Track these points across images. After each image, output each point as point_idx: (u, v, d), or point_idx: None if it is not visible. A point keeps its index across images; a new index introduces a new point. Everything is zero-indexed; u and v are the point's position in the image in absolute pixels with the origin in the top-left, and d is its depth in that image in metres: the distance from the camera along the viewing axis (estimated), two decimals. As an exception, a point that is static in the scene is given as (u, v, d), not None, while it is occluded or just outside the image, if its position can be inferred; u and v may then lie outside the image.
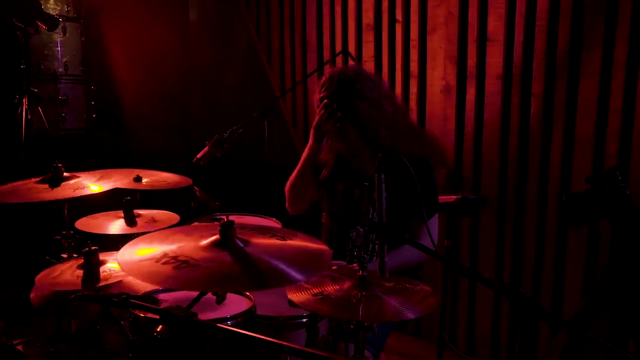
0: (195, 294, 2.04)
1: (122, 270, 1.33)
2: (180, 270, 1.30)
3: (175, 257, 1.36)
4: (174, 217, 2.57)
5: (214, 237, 1.46)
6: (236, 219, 3.09)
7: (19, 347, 1.92)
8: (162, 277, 1.28)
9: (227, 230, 1.45)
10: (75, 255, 2.45)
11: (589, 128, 2.89)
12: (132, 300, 1.39)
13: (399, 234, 1.57)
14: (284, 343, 1.09)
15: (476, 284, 3.42)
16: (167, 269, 1.31)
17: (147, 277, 1.30)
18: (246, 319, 1.75)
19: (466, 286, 3.46)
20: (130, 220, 2.44)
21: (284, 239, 1.54)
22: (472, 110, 3.31)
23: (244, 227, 1.59)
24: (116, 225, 2.40)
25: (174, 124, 5.17)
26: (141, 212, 2.55)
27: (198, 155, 3.05)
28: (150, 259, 1.36)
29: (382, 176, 1.61)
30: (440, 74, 3.43)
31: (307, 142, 4.33)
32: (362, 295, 1.66)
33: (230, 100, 4.97)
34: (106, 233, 2.34)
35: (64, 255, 2.49)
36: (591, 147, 2.89)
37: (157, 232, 1.58)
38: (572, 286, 3.00)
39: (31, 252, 3.23)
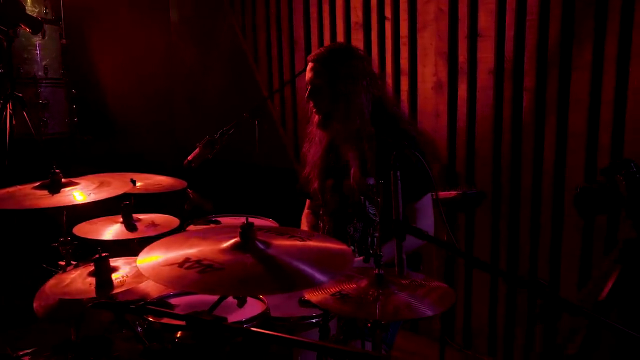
0: (203, 297, 2.02)
1: (145, 276, 1.30)
2: (205, 274, 1.28)
3: (198, 261, 1.34)
4: (173, 220, 2.53)
5: (234, 240, 1.44)
6: (232, 220, 3.08)
7: (26, 358, 1.87)
8: (187, 282, 1.26)
9: (248, 232, 1.43)
10: (73, 263, 2.40)
11: (582, 121, 2.92)
12: (153, 307, 1.37)
13: (416, 229, 1.56)
14: (326, 344, 1.08)
15: (471, 275, 3.44)
16: (192, 273, 1.29)
17: (171, 282, 1.27)
18: (262, 321, 1.73)
19: (462, 278, 3.48)
20: (130, 225, 2.41)
21: (303, 240, 1.52)
22: (464, 106, 3.32)
23: (261, 228, 1.57)
24: (116, 231, 2.36)
25: (159, 126, 5.12)
26: (140, 216, 2.51)
27: (189, 157, 3.00)
28: (172, 264, 1.33)
29: (398, 173, 1.61)
30: (431, 71, 3.44)
31: (296, 142, 4.36)
32: (379, 293, 1.65)
33: (216, 100, 4.93)
34: (107, 239, 2.30)
35: (62, 263, 2.44)
36: (584, 140, 2.92)
37: (174, 236, 1.55)
38: (568, 279, 3.03)
39: (24, 259, 3.17)
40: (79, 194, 2.07)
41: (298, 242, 1.50)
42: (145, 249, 1.45)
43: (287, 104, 4.35)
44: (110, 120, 5.13)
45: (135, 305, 1.41)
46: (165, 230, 2.40)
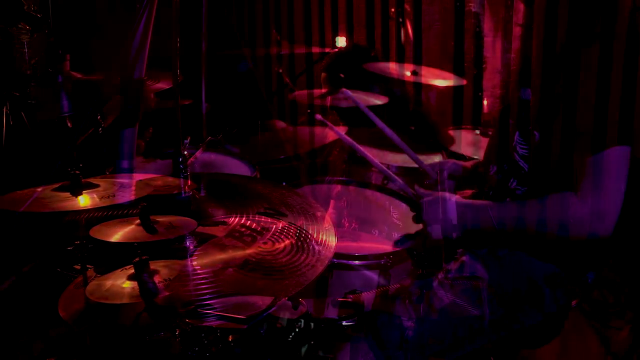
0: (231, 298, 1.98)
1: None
2: (271, 277, 1.26)
3: (258, 263, 1.31)
4: (191, 222, 2.47)
5: (288, 241, 1.42)
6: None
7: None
8: (256, 286, 1.23)
9: (303, 233, 1.41)
10: (89, 267, 2.33)
11: (589, 121, 2.95)
12: (212, 311, 1.34)
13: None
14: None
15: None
16: (257, 276, 1.26)
17: (239, 287, 1.24)
18: (305, 321, 1.71)
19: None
20: (150, 227, 2.34)
21: (355, 241, 1.51)
22: (469, 105, 3.34)
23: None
24: (136, 233, 2.29)
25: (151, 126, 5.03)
26: (157, 218, 2.45)
27: (192, 158, 2.98)
28: (233, 267, 1.31)
29: (445, 174, 1.61)
30: (435, 70, 3.44)
31: (294, 142, 4.32)
32: (422, 293, 1.65)
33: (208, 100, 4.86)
34: (127, 241, 2.23)
35: (77, 267, 2.38)
36: (589, 139, 2.95)
37: (222, 237, 1.52)
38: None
39: (38, 262, 3.08)
40: (104, 196, 2.02)
41: (351, 243, 1.48)
42: (197, 251, 1.41)
43: (286, 103, 4.32)
44: (101, 120, 5.03)
45: (186, 309, 1.39)
46: (185, 232, 2.34)
